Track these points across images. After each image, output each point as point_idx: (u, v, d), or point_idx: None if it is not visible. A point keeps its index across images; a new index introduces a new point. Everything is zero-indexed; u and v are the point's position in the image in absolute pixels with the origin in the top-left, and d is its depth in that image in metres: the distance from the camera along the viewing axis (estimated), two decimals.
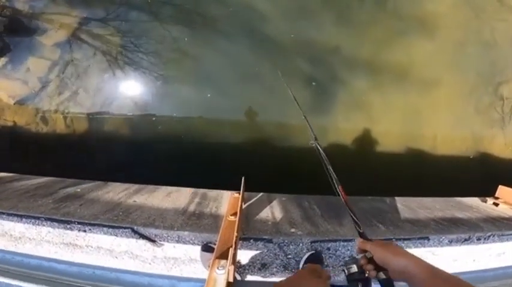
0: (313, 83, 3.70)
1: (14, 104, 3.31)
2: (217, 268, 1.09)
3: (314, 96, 3.73)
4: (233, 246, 1.16)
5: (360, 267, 0.90)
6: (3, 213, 1.84)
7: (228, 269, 1.03)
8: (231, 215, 1.60)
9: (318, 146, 1.28)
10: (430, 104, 3.98)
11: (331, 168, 1.14)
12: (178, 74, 3.59)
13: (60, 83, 3.42)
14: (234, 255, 1.15)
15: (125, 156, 3.48)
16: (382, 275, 0.84)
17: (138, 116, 3.51)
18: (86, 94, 3.45)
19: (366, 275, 0.88)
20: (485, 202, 2.62)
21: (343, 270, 0.95)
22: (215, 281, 1.05)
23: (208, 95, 3.56)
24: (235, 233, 1.26)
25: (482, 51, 4.15)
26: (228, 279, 1.02)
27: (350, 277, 0.91)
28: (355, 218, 1.02)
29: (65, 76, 3.43)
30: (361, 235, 0.98)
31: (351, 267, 0.92)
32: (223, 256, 1.18)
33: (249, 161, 3.46)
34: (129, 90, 3.53)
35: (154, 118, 3.51)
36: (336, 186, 1.10)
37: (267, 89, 3.58)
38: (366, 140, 3.78)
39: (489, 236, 1.97)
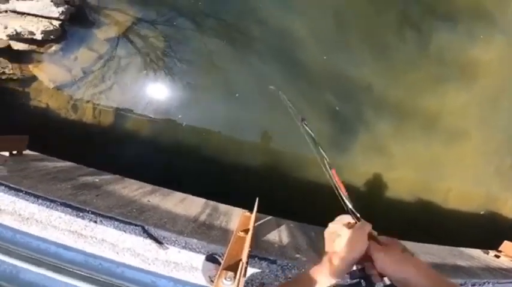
0: (337, 108, 3.69)
1: (52, 88, 3.47)
2: (225, 279, 1.12)
3: (336, 133, 3.72)
4: (245, 260, 1.18)
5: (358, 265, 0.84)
6: (21, 191, 1.89)
7: (239, 281, 1.06)
8: (241, 231, 1.63)
9: (306, 127, 1.23)
10: (452, 157, 3.91)
11: (321, 149, 1.10)
12: (206, 84, 3.69)
13: (99, 75, 3.58)
14: (246, 269, 1.17)
15: (140, 155, 3.55)
16: (386, 282, 0.77)
17: (161, 119, 3.60)
18: (119, 90, 3.58)
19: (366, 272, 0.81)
20: (487, 253, 2.76)
21: None
22: None
23: (236, 95, 3.63)
24: (249, 249, 1.29)
25: None
26: None
27: (352, 275, 0.89)
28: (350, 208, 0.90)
29: (105, 70, 3.58)
30: None
31: None
32: (230, 268, 1.21)
33: (259, 182, 3.49)
34: (157, 93, 3.65)
35: (176, 123, 3.59)
36: (329, 169, 0.99)
37: (288, 115, 3.61)
38: (380, 184, 3.74)
39: (484, 283, 2.02)
